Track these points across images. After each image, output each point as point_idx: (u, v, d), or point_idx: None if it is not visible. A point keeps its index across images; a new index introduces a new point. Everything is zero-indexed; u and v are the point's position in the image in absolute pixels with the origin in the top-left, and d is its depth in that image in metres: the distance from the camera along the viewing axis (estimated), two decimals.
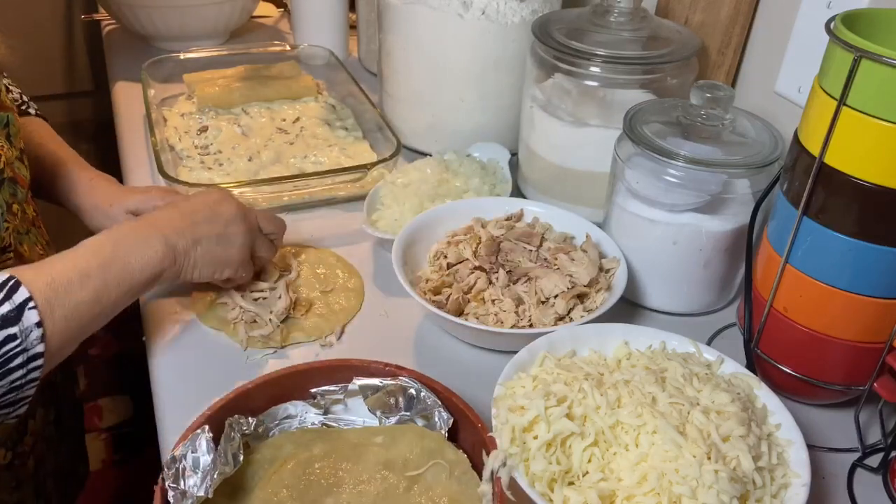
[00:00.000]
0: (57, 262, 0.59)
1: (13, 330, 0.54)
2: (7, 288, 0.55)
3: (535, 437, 0.54)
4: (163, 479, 0.51)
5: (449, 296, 0.73)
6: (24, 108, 0.86)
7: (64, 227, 0.85)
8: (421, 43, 0.97)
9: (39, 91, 0.89)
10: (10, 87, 0.86)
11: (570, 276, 0.74)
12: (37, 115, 0.89)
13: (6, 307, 0.54)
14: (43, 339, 0.56)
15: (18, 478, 0.77)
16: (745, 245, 0.71)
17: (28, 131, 0.83)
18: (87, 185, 0.81)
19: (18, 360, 0.55)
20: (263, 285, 0.76)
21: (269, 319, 0.73)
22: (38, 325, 0.55)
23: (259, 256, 0.75)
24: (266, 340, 0.72)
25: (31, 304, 0.55)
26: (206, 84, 1.12)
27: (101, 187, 0.81)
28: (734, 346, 0.72)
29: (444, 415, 0.58)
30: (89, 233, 0.71)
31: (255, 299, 0.75)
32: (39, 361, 0.56)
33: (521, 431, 0.54)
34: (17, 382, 0.56)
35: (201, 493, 0.51)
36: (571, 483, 0.53)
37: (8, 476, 0.76)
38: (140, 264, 0.63)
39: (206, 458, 0.52)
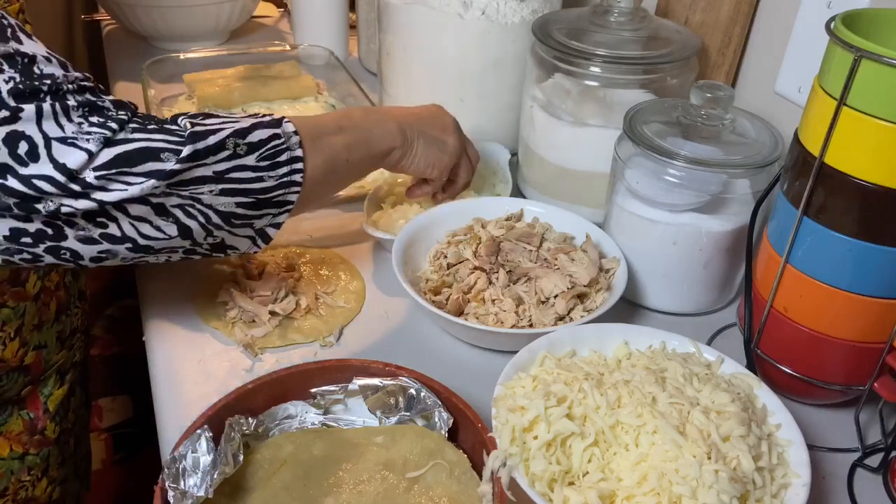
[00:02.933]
0: (317, 117, 0.69)
1: (276, 130, 0.61)
2: (261, 114, 0.63)
3: (536, 438, 0.54)
4: (163, 479, 0.51)
5: (449, 296, 0.73)
6: None
7: None
8: (421, 43, 0.97)
9: None
10: None
11: (570, 276, 0.74)
12: None
13: (267, 118, 0.62)
14: (301, 145, 0.63)
15: (64, 454, 0.79)
16: (745, 245, 0.71)
17: None
18: None
19: (284, 157, 0.61)
20: (264, 285, 0.76)
21: (269, 320, 0.73)
22: (296, 133, 0.63)
23: (458, 174, 0.84)
24: (265, 341, 0.72)
25: (286, 119, 0.63)
26: (206, 84, 1.12)
27: None
28: (734, 346, 0.72)
29: (444, 415, 0.58)
30: None
31: (255, 299, 0.75)
32: (300, 165, 0.62)
33: (521, 431, 0.54)
34: (284, 179, 0.61)
35: (201, 493, 0.51)
36: (571, 483, 0.53)
37: (56, 451, 0.78)
38: (380, 136, 0.72)
39: (206, 458, 0.52)
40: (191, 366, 0.69)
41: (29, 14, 0.74)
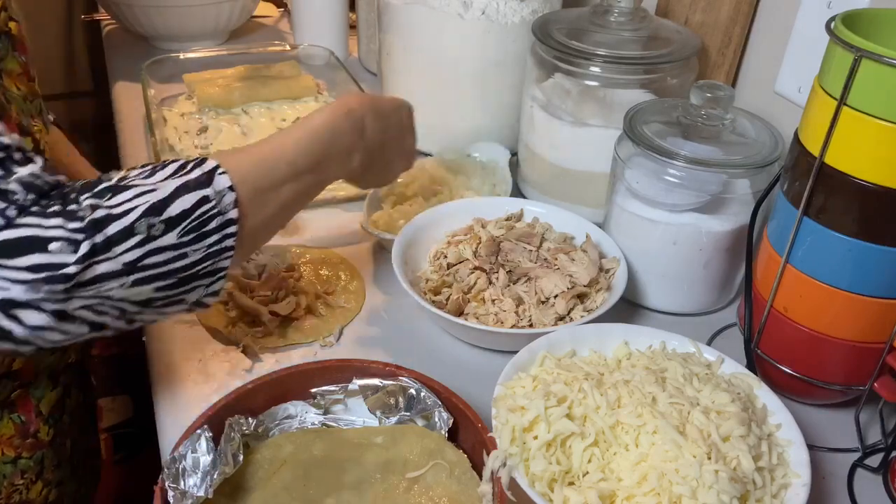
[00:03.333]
0: (263, 144, 0.61)
1: (205, 191, 0.53)
2: (196, 160, 0.55)
3: (536, 438, 0.54)
4: (163, 479, 0.51)
5: (449, 296, 0.73)
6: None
7: None
8: (421, 43, 0.97)
9: (39, 91, 0.89)
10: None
11: (570, 276, 0.74)
12: (53, 122, 0.89)
13: (196, 172, 0.53)
14: (236, 204, 0.54)
15: (59, 457, 0.78)
16: (745, 245, 0.71)
17: (53, 141, 0.83)
18: None
19: (213, 224, 0.53)
20: (264, 286, 0.76)
21: (269, 320, 0.73)
22: (231, 189, 0.54)
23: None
24: (265, 341, 0.72)
25: (221, 170, 0.54)
26: (206, 84, 1.12)
27: None
28: (734, 346, 0.72)
29: (444, 415, 0.58)
30: None
31: (255, 299, 0.75)
32: (233, 228, 0.54)
33: (521, 431, 0.54)
34: (214, 248, 0.54)
35: (201, 493, 0.51)
36: (571, 483, 0.53)
37: (51, 453, 0.76)
38: (337, 172, 0.66)
39: (206, 458, 0.52)
40: (191, 366, 0.69)
41: (29, 14, 0.74)
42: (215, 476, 0.52)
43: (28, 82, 0.70)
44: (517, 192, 0.96)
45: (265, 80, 1.14)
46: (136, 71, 1.13)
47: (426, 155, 0.99)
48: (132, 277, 0.49)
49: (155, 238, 0.50)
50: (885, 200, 0.55)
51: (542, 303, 0.73)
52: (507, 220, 0.82)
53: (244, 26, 1.42)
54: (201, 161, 0.54)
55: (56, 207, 0.47)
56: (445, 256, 0.78)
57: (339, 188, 0.93)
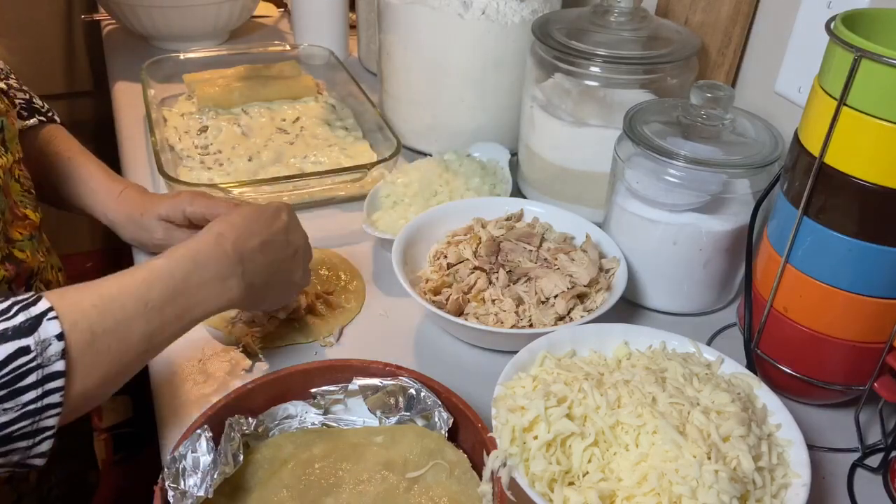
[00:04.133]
0: (110, 280, 0.53)
1: (25, 341, 0.46)
2: (28, 299, 0.48)
3: (536, 438, 0.54)
4: (163, 479, 0.51)
5: (449, 296, 0.73)
6: (50, 115, 0.86)
7: (62, 229, 0.85)
8: (421, 43, 0.97)
9: (39, 91, 0.89)
10: (24, 89, 0.85)
11: (570, 276, 0.74)
12: (60, 122, 0.89)
13: (20, 318, 0.47)
14: (64, 355, 0.47)
15: (19, 491, 0.76)
16: (745, 245, 0.71)
17: (55, 143, 0.83)
18: (118, 197, 0.81)
19: (31, 378, 0.46)
20: None
21: (269, 320, 0.73)
22: (59, 337, 0.47)
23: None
24: (265, 341, 0.72)
25: (51, 315, 0.48)
26: (206, 84, 1.12)
27: (132, 198, 0.81)
28: (734, 346, 0.72)
29: (444, 415, 0.58)
30: (91, 237, 0.71)
31: None
32: (58, 382, 0.47)
33: (521, 431, 0.54)
34: (31, 406, 0.46)
35: (201, 493, 0.51)
36: (571, 483, 0.53)
37: (8, 489, 0.74)
38: (210, 301, 0.58)
39: (206, 458, 0.52)
40: (191, 366, 0.69)
41: (29, 14, 0.74)
42: (215, 476, 0.52)
43: None
44: (517, 192, 0.96)
45: (265, 80, 1.14)
46: (136, 71, 1.13)
47: (426, 155, 0.99)
48: None
49: None
50: (885, 200, 0.55)
51: (542, 303, 0.73)
52: (507, 220, 0.82)
53: (244, 26, 1.42)
54: (33, 301, 0.48)
55: None
56: (445, 256, 0.78)
57: (340, 188, 0.93)
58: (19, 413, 0.46)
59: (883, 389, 0.63)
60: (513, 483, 0.52)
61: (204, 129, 1.04)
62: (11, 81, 0.82)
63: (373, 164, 0.91)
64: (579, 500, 0.51)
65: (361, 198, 0.89)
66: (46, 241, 0.79)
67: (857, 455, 0.65)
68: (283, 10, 1.56)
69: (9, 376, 0.45)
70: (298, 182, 0.90)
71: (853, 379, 0.64)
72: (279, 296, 0.68)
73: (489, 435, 0.54)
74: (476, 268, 0.76)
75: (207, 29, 1.32)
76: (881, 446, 0.65)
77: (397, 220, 0.85)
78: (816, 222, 0.59)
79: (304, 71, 1.19)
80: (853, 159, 0.55)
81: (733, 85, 0.91)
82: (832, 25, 0.55)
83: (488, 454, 0.53)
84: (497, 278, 0.75)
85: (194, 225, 0.79)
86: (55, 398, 0.47)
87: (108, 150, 1.04)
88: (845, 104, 0.54)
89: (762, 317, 0.66)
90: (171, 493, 0.50)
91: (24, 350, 0.46)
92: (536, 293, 0.73)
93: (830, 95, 0.55)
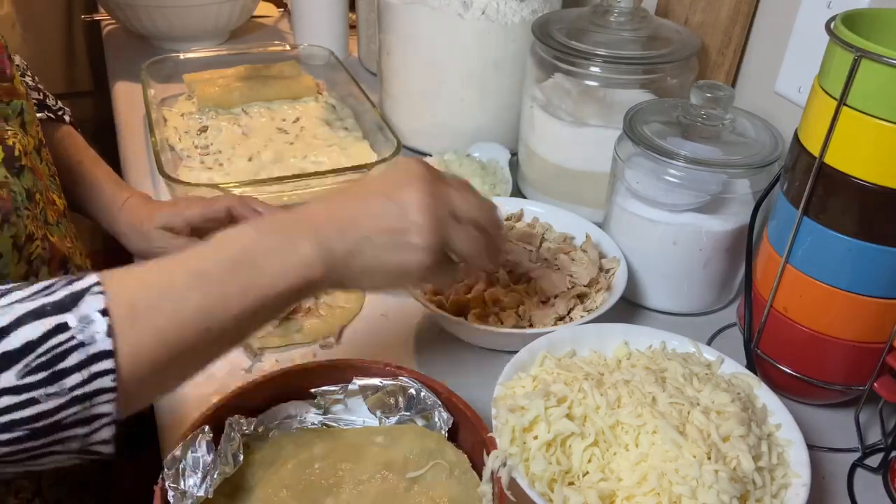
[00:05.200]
0: (161, 260, 0.47)
1: (63, 317, 0.41)
2: (75, 277, 0.44)
3: (536, 438, 0.54)
4: (163, 479, 0.51)
5: (449, 296, 0.73)
6: (60, 114, 0.86)
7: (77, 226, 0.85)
8: (421, 43, 0.97)
9: (21, 89, 0.89)
10: (40, 88, 0.85)
11: (570, 276, 0.74)
12: (70, 122, 0.89)
13: (61, 294, 0.42)
14: (111, 333, 0.41)
15: (58, 474, 0.74)
16: (745, 245, 0.71)
17: (65, 145, 0.83)
18: (121, 205, 0.81)
19: (73, 359, 0.41)
20: None
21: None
22: (104, 313, 0.42)
23: (459, 252, 0.55)
24: (265, 341, 0.72)
25: (97, 289, 0.42)
26: (206, 84, 1.12)
27: (135, 207, 0.80)
28: (734, 346, 0.72)
29: (444, 415, 0.58)
30: (91, 237, 0.70)
31: None
32: (107, 363, 0.41)
33: (521, 431, 0.54)
34: (78, 391, 0.41)
35: (201, 493, 0.51)
36: (571, 483, 0.53)
37: (49, 472, 0.71)
38: (277, 270, 0.48)
39: (206, 458, 0.52)
40: None
41: (27, 14, 0.74)
42: (215, 476, 0.52)
43: (2, 83, 0.68)
44: (517, 192, 0.96)
45: (265, 80, 1.14)
46: (136, 71, 1.13)
47: (426, 155, 0.99)
48: None
49: None
50: (885, 200, 0.55)
51: (542, 303, 0.73)
52: (507, 220, 0.82)
53: (244, 26, 1.42)
54: (79, 277, 0.43)
55: None
56: None
57: (340, 187, 0.93)
58: (67, 398, 0.41)
59: (883, 389, 0.63)
60: (513, 483, 0.52)
61: (204, 129, 1.04)
62: (27, 79, 0.82)
63: (373, 164, 0.91)
64: (579, 500, 0.51)
65: None
66: (72, 227, 0.79)
67: (857, 455, 0.65)
68: (283, 10, 1.56)
69: (46, 356, 0.40)
70: (298, 182, 0.90)
71: (853, 379, 0.64)
72: (384, 274, 0.53)
73: (489, 435, 0.54)
74: None
75: (207, 29, 1.32)
76: (881, 446, 0.65)
77: None
78: (816, 222, 0.59)
79: (304, 71, 1.19)
80: (853, 159, 0.55)
81: (733, 85, 0.91)
82: (832, 25, 0.55)
83: (488, 454, 0.53)
84: (497, 278, 0.75)
85: (196, 231, 0.79)
86: (106, 381, 0.42)
87: (108, 150, 1.04)
88: (845, 104, 0.54)
89: (762, 317, 0.66)
90: (171, 493, 0.50)
91: (60, 328, 0.41)
92: (536, 293, 0.73)
93: (830, 95, 0.55)
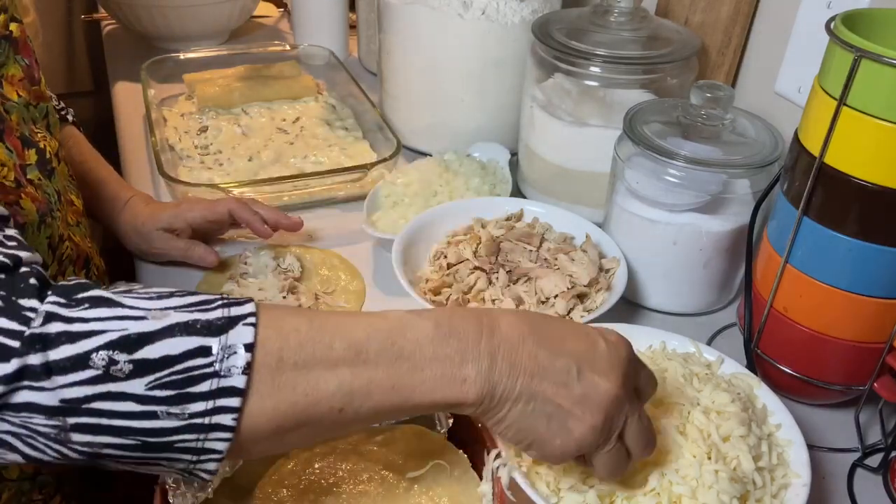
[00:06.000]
0: (333, 313, 0.45)
1: (209, 341, 0.39)
2: (237, 299, 0.42)
3: None
4: (163, 479, 0.51)
5: (449, 296, 0.73)
6: (63, 113, 0.86)
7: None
8: (421, 43, 0.97)
9: (47, 93, 0.89)
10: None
11: (570, 276, 0.74)
12: (72, 122, 0.89)
13: (216, 313, 0.40)
14: (248, 371, 0.40)
15: (80, 469, 0.73)
16: (745, 245, 0.71)
17: (69, 145, 0.83)
18: (122, 205, 0.81)
19: (204, 386, 0.39)
20: (264, 286, 0.76)
21: None
22: (248, 348, 0.40)
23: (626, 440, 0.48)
24: None
25: (251, 319, 0.41)
26: (206, 84, 1.12)
27: (136, 208, 0.81)
28: (734, 346, 0.72)
29: (444, 415, 0.58)
30: (92, 237, 0.70)
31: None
32: (234, 401, 0.40)
33: None
34: (198, 420, 0.39)
35: (201, 493, 0.51)
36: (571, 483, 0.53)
37: (72, 467, 0.70)
38: (436, 384, 0.44)
39: None
40: None
41: (26, 14, 0.74)
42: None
43: (31, 86, 0.69)
44: (517, 192, 0.96)
45: (265, 80, 1.14)
46: (136, 71, 1.13)
47: (426, 155, 0.99)
48: (72, 420, 0.38)
49: (115, 379, 0.38)
50: (885, 200, 0.55)
51: (542, 303, 0.73)
52: (507, 220, 0.82)
53: (244, 26, 1.42)
54: (241, 301, 0.42)
55: (2, 293, 0.38)
56: (445, 256, 0.78)
57: (340, 188, 0.93)
58: (184, 423, 0.39)
59: (883, 389, 0.63)
60: (513, 483, 0.52)
61: (204, 129, 1.04)
62: None
63: (373, 164, 0.91)
64: (579, 500, 0.51)
65: (361, 198, 0.89)
66: (89, 227, 0.79)
67: (857, 455, 0.65)
68: (283, 10, 1.56)
69: (179, 376, 0.39)
70: (298, 182, 0.90)
71: (853, 379, 0.64)
72: (525, 433, 0.47)
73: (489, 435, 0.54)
74: (476, 268, 0.76)
75: (207, 29, 1.32)
76: (881, 446, 0.65)
77: (397, 221, 0.85)
78: (816, 222, 0.59)
79: (304, 71, 1.19)
80: (853, 159, 0.55)
81: (733, 85, 0.91)
82: (832, 25, 0.55)
83: (488, 454, 0.53)
84: (497, 278, 0.75)
85: (197, 233, 0.79)
86: (227, 419, 0.40)
87: (108, 150, 1.04)
88: (845, 104, 0.54)
89: (762, 317, 0.66)
90: (171, 493, 0.50)
91: (202, 351, 0.39)
92: (536, 293, 0.73)
93: (830, 95, 0.55)
